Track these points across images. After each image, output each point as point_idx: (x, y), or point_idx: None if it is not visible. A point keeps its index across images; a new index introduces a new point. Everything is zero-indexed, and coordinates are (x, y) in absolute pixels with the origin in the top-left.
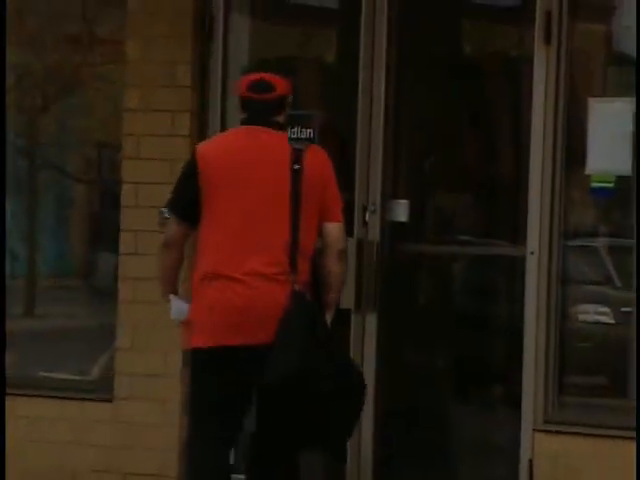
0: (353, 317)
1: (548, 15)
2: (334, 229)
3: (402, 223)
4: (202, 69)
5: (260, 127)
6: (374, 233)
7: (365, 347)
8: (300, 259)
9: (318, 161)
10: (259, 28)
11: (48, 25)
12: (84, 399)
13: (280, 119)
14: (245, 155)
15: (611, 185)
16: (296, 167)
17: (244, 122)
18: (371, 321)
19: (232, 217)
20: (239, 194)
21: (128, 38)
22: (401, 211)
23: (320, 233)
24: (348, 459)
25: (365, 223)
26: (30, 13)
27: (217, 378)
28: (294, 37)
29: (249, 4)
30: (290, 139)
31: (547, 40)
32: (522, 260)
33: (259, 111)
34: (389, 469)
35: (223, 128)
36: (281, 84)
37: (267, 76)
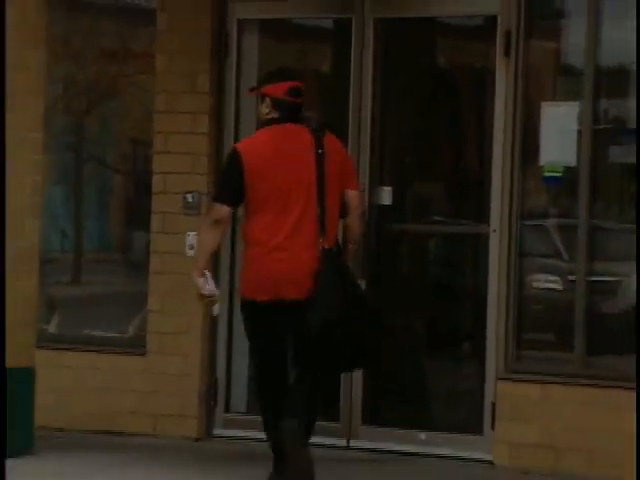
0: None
1: (507, 34)
2: (355, 195)
3: (386, 206)
4: (219, 78)
5: (290, 124)
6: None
7: None
8: (329, 225)
9: (335, 144)
10: (266, 45)
11: (90, 42)
12: (121, 353)
13: (301, 116)
14: (279, 147)
15: (560, 174)
16: (319, 151)
17: (276, 120)
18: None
19: (272, 199)
20: (277, 179)
21: (157, 53)
22: (386, 196)
23: (343, 199)
24: (342, 400)
25: None
26: (75, 32)
27: (269, 322)
28: (294, 52)
29: (258, 24)
30: (311, 130)
31: (507, 54)
32: (486, 237)
33: (292, 111)
34: (375, 408)
35: (236, 127)
36: (298, 88)
37: (299, 84)
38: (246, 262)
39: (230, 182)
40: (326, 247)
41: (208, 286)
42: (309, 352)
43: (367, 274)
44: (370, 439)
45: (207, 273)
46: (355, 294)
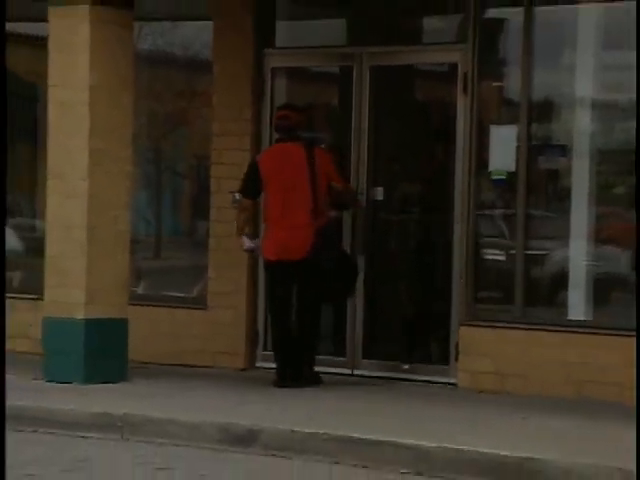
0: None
1: (465, 76)
2: (336, 185)
3: (379, 200)
4: (257, 110)
5: (288, 142)
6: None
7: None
8: (319, 211)
9: (322, 155)
10: (291, 85)
11: (165, 85)
12: (189, 308)
13: (297, 134)
14: (281, 159)
15: (503, 177)
16: (311, 160)
17: (278, 139)
18: (361, 259)
19: (279, 194)
20: (281, 181)
21: (213, 92)
22: (378, 194)
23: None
24: (347, 341)
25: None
26: (154, 78)
27: (278, 273)
28: (311, 93)
29: (285, 71)
30: (304, 144)
31: (464, 91)
32: (452, 223)
33: (284, 132)
34: (372, 346)
35: (270, 145)
36: (293, 116)
37: (286, 112)
38: (264, 233)
39: (251, 182)
40: (319, 226)
41: (247, 244)
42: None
43: (366, 250)
44: (368, 369)
45: (244, 237)
46: (337, 255)
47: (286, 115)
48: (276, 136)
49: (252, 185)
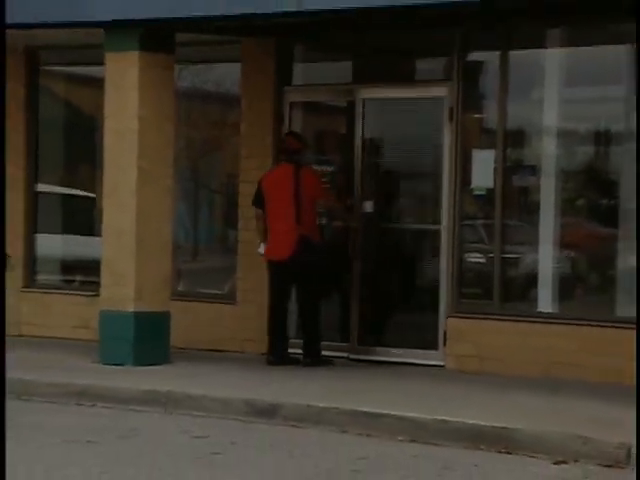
0: (353, 263)
1: (451, 109)
2: (322, 201)
3: (377, 211)
4: (277, 137)
5: (285, 163)
6: (357, 217)
7: (354, 274)
8: (303, 219)
9: (307, 174)
10: (306, 116)
11: (201, 116)
12: (221, 303)
13: (295, 158)
14: (275, 177)
15: (483, 193)
16: (296, 178)
17: (281, 160)
18: (357, 264)
19: (273, 207)
20: (273, 195)
21: (241, 122)
22: (368, 206)
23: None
24: (351, 324)
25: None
26: (192, 110)
27: (271, 271)
28: (322, 122)
29: (301, 104)
30: (295, 165)
31: (450, 120)
32: (439, 231)
33: (285, 154)
34: (366, 334)
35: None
36: (293, 142)
37: (287, 138)
38: (267, 238)
39: (257, 196)
40: (302, 233)
41: (260, 249)
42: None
43: (360, 255)
44: (363, 354)
45: (262, 243)
46: (316, 258)
47: (287, 141)
48: (281, 158)
49: (257, 198)
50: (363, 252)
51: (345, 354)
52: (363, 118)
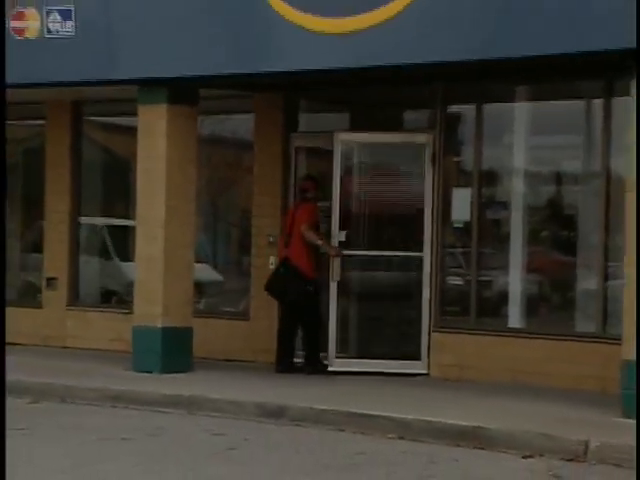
0: (330, 284)
1: (434, 153)
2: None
3: (342, 241)
4: (286, 176)
5: (297, 200)
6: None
7: (330, 296)
8: (290, 246)
9: (302, 209)
10: (308, 158)
11: (219, 158)
12: (236, 319)
13: (304, 196)
14: (287, 211)
15: (462, 225)
16: (295, 213)
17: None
18: (334, 286)
19: (285, 232)
20: (282, 226)
21: (254, 164)
22: (342, 235)
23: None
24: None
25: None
26: (211, 153)
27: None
28: (321, 167)
29: (305, 149)
30: (300, 201)
31: (432, 163)
32: (423, 258)
33: (298, 193)
34: (365, 344)
35: (286, 207)
36: (303, 183)
37: (303, 182)
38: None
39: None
40: (287, 255)
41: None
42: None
43: (340, 278)
44: (342, 366)
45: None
46: (293, 278)
47: (301, 182)
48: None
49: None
50: (357, 277)
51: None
52: (359, 160)
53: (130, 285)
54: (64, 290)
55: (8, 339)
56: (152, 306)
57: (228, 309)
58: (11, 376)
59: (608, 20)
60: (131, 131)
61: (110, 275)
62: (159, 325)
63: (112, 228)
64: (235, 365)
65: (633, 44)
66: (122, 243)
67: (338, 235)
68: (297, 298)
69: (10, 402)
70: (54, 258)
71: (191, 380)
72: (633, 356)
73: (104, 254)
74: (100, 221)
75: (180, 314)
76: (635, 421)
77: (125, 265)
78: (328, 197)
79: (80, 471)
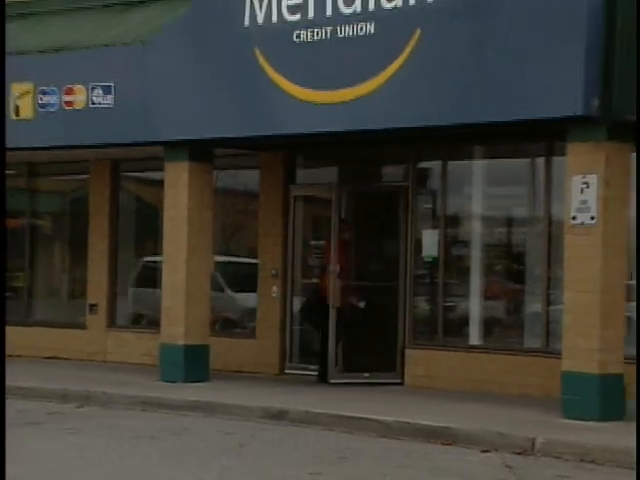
0: (330, 310)
1: (407, 200)
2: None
3: (347, 273)
4: (286, 221)
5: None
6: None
7: (330, 319)
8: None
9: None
10: (305, 206)
11: (230, 205)
12: (246, 338)
13: (344, 236)
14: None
15: (431, 260)
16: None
17: None
18: (333, 312)
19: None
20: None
21: (259, 210)
22: (335, 268)
23: None
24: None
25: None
26: (223, 202)
27: None
28: (315, 212)
29: (302, 198)
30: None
31: (405, 210)
32: (397, 288)
33: (337, 234)
34: (343, 361)
35: (293, 244)
36: (345, 227)
37: (341, 224)
38: None
39: None
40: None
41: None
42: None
43: (344, 304)
44: (340, 378)
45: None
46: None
47: (341, 225)
48: None
49: None
50: (344, 303)
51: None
52: (346, 206)
53: (158, 310)
54: (104, 314)
55: (59, 354)
56: (175, 327)
57: (239, 330)
58: (59, 385)
59: (548, 96)
60: (159, 184)
61: (142, 301)
62: (181, 343)
63: (143, 263)
64: (244, 376)
65: (569, 113)
66: (152, 275)
67: (334, 268)
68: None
69: (59, 407)
70: (96, 288)
71: (208, 388)
72: (571, 368)
73: (137, 284)
74: (133, 257)
75: (199, 334)
76: (575, 421)
77: (158, 292)
78: (323, 237)
79: (120, 462)
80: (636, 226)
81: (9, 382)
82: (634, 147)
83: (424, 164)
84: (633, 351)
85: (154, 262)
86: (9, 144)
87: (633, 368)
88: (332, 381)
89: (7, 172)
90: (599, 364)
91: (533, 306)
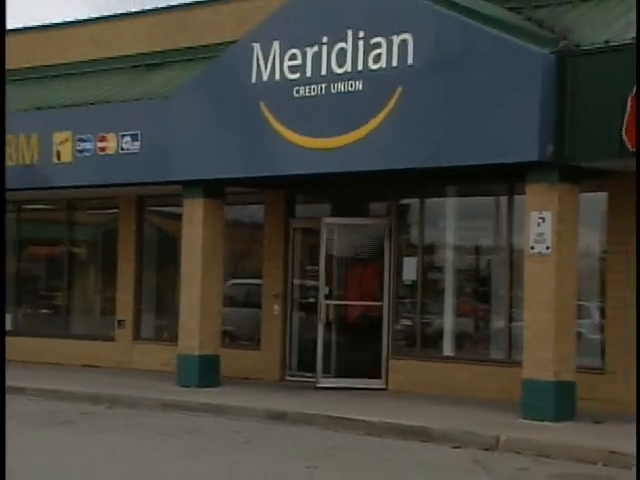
0: (318, 325)
1: (390, 232)
2: None
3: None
4: (286, 249)
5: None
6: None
7: (318, 332)
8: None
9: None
10: (303, 236)
11: (240, 235)
12: (251, 349)
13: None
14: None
15: (411, 283)
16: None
17: None
18: (320, 326)
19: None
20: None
21: (264, 239)
22: (327, 290)
23: None
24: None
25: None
26: (233, 233)
27: None
28: (311, 242)
29: (301, 229)
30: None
31: (389, 239)
32: (382, 306)
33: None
34: (329, 368)
35: (292, 265)
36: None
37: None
38: None
39: None
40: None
41: None
42: None
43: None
44: (327, 383)
45: None
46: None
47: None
48: None
49: None
50: (336, 319)
51: (313, 383)
52: (338, 237)
53: (176, 324)
54: (130, 328)
55: (92, 363)
56: (191, 340)
57: (245, 342)
58: (92, 389)
59: (510, 144)
60: (178, 217)
61: (163, 317)
62: (196, 353)
63: (165, 284)
64: (250, 382)
65: (527, 159)
66: (171, 294)
67: (324, 289)
68: None
69: (91, 408)
70: (123, 306)
71: (219, 393)
72: (530, 375)
73: (158, 302)
74: (156, 279)
75: (211, 345)
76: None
77: (173, 310)
78: (316, 262)
79: (145, 455)
80: (636, 231)
81: (50, 386)
82: (583, 188)
83: (405, 201)
84: (583, 361)
85: (174, 283)
86: (52, 184)
87: (583, 376)
88: (323, 385)
89: (49, 207)
90: (554, 373)
91: (498, 322)
